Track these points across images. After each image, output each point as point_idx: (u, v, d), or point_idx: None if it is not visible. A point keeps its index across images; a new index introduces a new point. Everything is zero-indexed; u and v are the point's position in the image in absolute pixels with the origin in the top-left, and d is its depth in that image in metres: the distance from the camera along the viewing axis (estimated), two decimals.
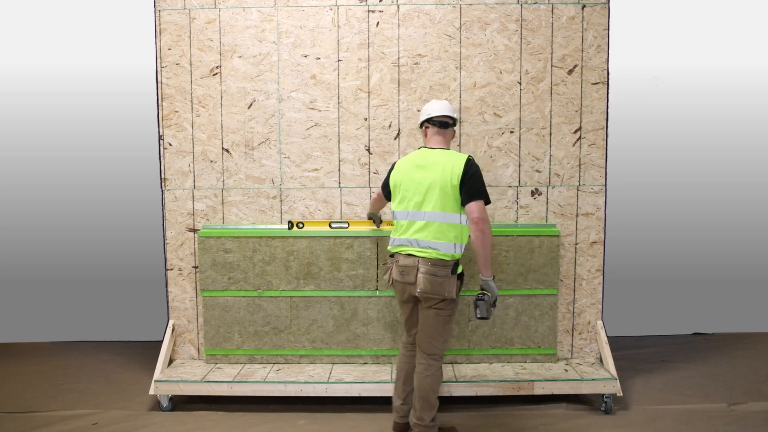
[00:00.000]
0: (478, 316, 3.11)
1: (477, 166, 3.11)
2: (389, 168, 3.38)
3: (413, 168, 3.18)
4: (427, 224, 3.11)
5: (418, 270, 3.09)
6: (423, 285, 3.06)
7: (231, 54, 4.01)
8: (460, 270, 3.16)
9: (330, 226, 3.92)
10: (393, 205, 3.28)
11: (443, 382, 3.72)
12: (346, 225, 3.97)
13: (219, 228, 4.04)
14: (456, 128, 3.37)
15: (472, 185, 3.04)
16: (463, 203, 3.06)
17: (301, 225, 3.91)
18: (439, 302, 3.11)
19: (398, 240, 3.22)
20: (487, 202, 3.09)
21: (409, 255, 3.14)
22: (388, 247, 3.31)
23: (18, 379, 4.39)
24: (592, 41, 3.98)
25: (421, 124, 3.28)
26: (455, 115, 3.27)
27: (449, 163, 3.08)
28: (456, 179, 3.05)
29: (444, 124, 3.22)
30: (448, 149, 3.22)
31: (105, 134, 5.29)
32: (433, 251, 3.09)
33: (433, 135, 3.24)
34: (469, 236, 3.09)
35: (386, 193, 3.38)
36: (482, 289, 3.13)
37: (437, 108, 3.22)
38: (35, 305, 5.37)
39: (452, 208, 3.08)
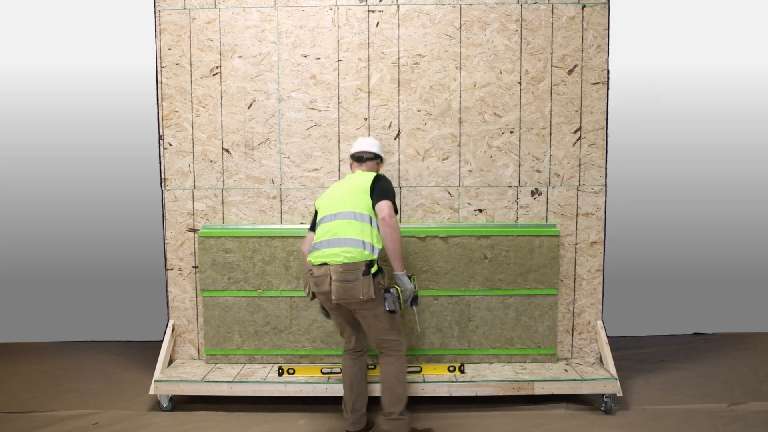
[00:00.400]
0: (387, 308, 3.18)
1: (388, 180, 3.36)
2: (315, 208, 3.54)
3: (334, 189, 3.44)
4: (338, 224, 3.26)
5: (330, 278, 3.16)
6: (336, 292, 3.14)
7: (231, 54, 4.01)
8: (375, 269, 3.18)
9: (322, 372, 3.86)
10: (317, 221, 3.41)
11: (444, 382, 3.73)
12: (339, 371, 3.85)
13: (219, 228, 4.04)
14: (379, 162, 3.58)
15: (381, 188, 3.28)
16: (374, 204, 3.25)
17: (291, 371, 3.84)
18: (366, 304, 3.15)
19: (314, 245, 3.31)
20: (394, 203, 3.26)
21: (323, 264, 3.21)
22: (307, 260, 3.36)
23: (18, 379, 4.39)
24: (592, 41, 3.98)
25: (350, 162, 3.60)
26: (375, 150, 3.54)
27: (363, 177, 3.38)
28: (367, 184, 3.30)
29: (359, 159, 3.53)
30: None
31: (105, 134, 5.30)
32: (341, 253, 3.16)
33: (355, 168, 3.55)
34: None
35: (313, 228, 3.49)
36: (394, 284, 3.25)
37: (355, 145, 3.58)
38: (35, 305, 5.37)
39: (362, 209, 3.26)
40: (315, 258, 3.25)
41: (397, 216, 3.39)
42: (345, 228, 3.23)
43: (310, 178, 4.07)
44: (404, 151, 4.04)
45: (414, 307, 3.31)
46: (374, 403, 3.49)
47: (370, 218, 3.25)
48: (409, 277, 3.30)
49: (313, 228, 3.47)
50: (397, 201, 4.03)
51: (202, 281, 4.02)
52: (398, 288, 3.21)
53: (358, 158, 3.54)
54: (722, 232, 5.51)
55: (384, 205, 3.20)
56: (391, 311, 3.19)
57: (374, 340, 3.30)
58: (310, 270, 3.27)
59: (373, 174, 3.38)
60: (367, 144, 3.56)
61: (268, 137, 4.06)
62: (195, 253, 4.10)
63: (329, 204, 3.36)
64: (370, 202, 3.26)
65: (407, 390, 3.31)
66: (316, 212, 3.49)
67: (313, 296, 3.34)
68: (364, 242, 3.19)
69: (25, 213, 5.40)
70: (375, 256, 3.21)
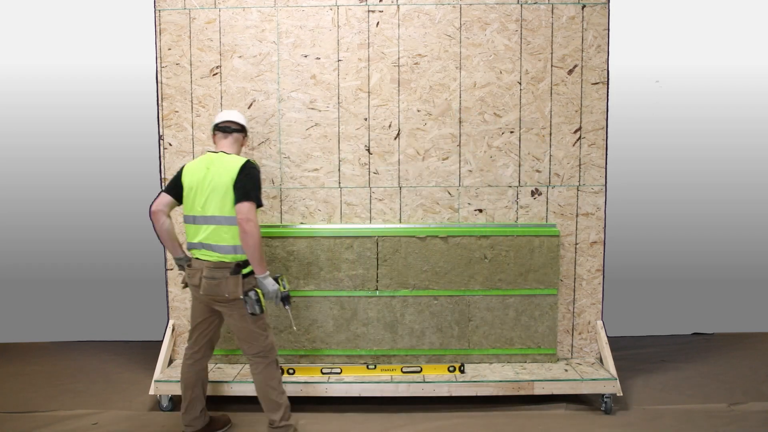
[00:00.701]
0: (248, 311, 3.15)
1: (254, 169, 3.20)
2: (177, 172, 3.35)
3: (200, 173, 3.23)
4: (208, 227, 3.19)
5: (201, 273, 3.18)
6: (204, 288, 3.16)
7: (231, 54, 4.01)
8: (246, 270, 3.17)
9: (322, 372, 3.86)
10: (184, 209, 3.30)
11: (444, 382, 3.73)
12: (339, 371, 3.87)
13: None
14: (244, 135, 3.42)
15: (242, 185, 3.12)
16: (235, 203, 3.12)
17: (291, 371, 3.84)
18: (233, 303, 3.17)
19: (189, 244, 3.29)
20: (259, 204, 3.16)
21: (197, 259, 3.23)
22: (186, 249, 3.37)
23: (18, 379, 4.39)
24: (592, 41, 3.98)
25: (213, 133, 3.41)
26: (242, 122, 3.39)
27: (228, 166, 3.18)
28: (231, 181, 3.14)
29: (225, 129, 3.34)
30: (232, 154, 3.31)
31: (105, 134, 5.29)
32: (214, 254, 3.17)
33: (219, 140, 3.37)
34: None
35: (174, 194, 3.31)
36: (256, 286, 3.18)
37: (221, 115, 3.40)
38: (35, 305, 5.37)
39: (230, 211, 3.15)
40: (193, 254, 3.27)
41: (260, 209, 3.24)
42: (216, 235, 3.17)
43: (310, 178, 4.07)
44: (404, 151, 4.04)
45: (287, 307, 3.27)
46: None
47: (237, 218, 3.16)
48: (276, 278, 3.25)
49: (169, 191, 3.30)
50: (396, 201, 4.04)
51: None
52: (259, 291, 3.16)
53: (224, 128, 3.34)
54: (722, 232, 5.51)
55: (242, 208, 3.07)
56: (252, 314, 3.15)
57: (240, 342, 3.28)
58: (189, 262, 3.29)
59: (238, 163, 3.17)
60: (234, 114, 3.40)
61: (268, 137, 4.06)
62: None
63: (197, 196, 3.20)
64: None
65: (284, 396, 3.28)
66: (178, 177, 3.30)
67: (185, 285, 3.38)
68: (235, 247, 3.15)
69: (25, 213, 5.39)
70: (244, 256, 3.17)
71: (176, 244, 3.37)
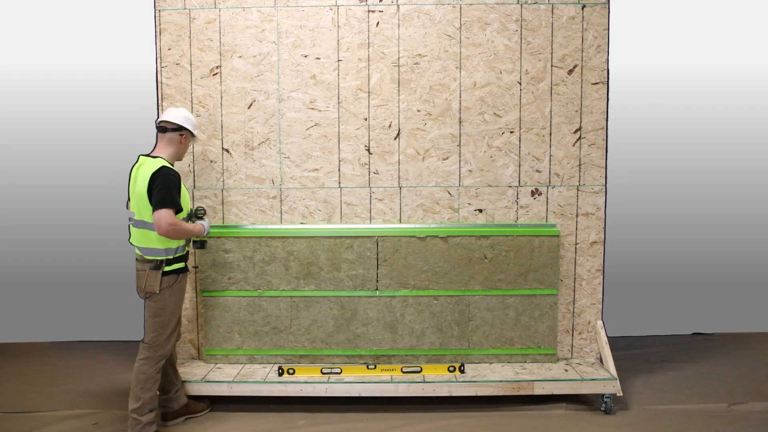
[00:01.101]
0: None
1: (168, 174, 3.25)
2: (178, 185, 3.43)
3: (133, 176, 3.38)
4: (134, 231, 3.38)
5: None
6: (137, 279, 3.39)
7: (231, 54, 4.01)
8: (169, 268, 3.35)
9: (322, 372, 3.87)
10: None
11: (444, 382, 3.73)
12: (339, 371, 3.89)
13: (219, 228, 4.04)
14: (181, 134, 3.44)
15: (156, 193, 3.22)
16: (153, 211, 3.24)
17: (291, 371, 3.85)
18: (150, 295, 3.36)
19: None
20: (177, 210, 3.28)
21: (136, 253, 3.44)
22: None
23: (18, 379, 4.39)
24: (592, 41, 3.98)
25: (181, 130, 3.48)
26: (178, 121, 3.41)
27: (147, 171, 3.28)
28: (145, 188, 3.25)
29: (162, 129, 3.42)
30: (162, 157, 3.37)
31: (105, 134, 5.29)
32: (139, 252, 3.39)
33: (158, 140, 3.46)
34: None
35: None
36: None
37: (163, 114, 3.47)
38: (35, 305, 5.37)
39: (148, 217, 3.29)
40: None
41: (179, 215, 3.33)
42: (138, 237, 3.36)
43: (310, 178, 4.07)
44: (404, 151, 4.04)
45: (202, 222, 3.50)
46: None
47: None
48: (199, 214, 3.52)
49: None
50: (396, 201, 4.05)
51: (202, 281, 4.02)
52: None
53: (161, 128, 3.43)
54: (722, 232, 5.51)
55: (158, 218, 3.21)
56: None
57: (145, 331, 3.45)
58: None
59: (154, 168, 3.26)
60: (171, 114, 3.43)
61: (268, 137, 4.06)
62: (195, 253, 4.09)
63: (132, 195, 3.37)
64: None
65: (147, 393, 3.35)
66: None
67: None
68: (153, 249, 3.32)
69: (25, 213, 5.39)
70: (168, 256, 3.34)
71: None
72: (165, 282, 3.33)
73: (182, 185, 3.39)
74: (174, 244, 3.35)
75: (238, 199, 4.09)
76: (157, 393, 3.43)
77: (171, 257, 3.35)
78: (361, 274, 3.97)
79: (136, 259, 3.41)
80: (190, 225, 3.39)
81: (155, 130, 3.46)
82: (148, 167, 3.30)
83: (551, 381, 3.74)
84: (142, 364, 3.37)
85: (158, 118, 3.43)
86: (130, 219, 3.42)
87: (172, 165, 3.39)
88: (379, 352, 4.03)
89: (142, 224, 3.32)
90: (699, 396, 3.99)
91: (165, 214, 3.20)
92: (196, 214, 3.53)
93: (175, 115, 3.43)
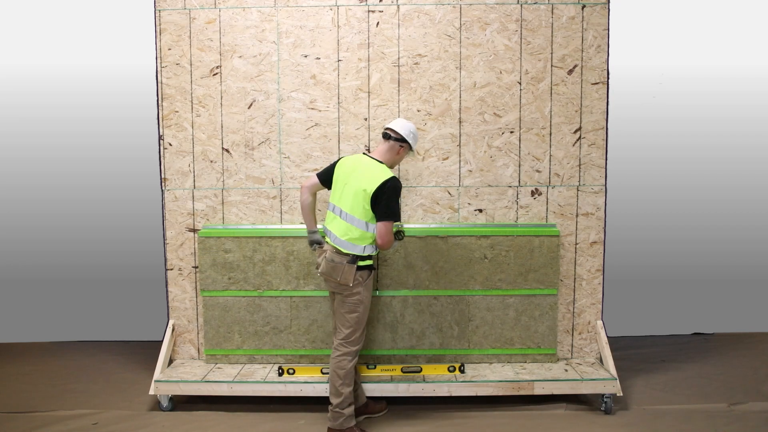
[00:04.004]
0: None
1: (397, 188, 3.29)
2: (335, 160, 3.57)
3: (347, 169, 3.41)
4: (339, 224, 3.37)
5: (324, 255, 3.41)
6: (323, 267, 3.39)
7: (231, 54, 4.01)
8: (363, 263, 3.36)
9: (322, 372, 3.87)
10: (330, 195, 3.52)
11: (444, 382, 3.73)
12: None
13: (219, 228, 4.04)
14: (401, 146, 3.42)
15: (384, 205, 3.26)
16: (376, 219, 3.29)
17: (291, 371, 3.86)
18: (342, 287, 3.37)
19: (324, 227, 3.51)
20: (396, 220, 3.32)
21: (327, 242, 3.46)
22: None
23: (18, 379, 4.39)
24: (592, 41, 3.98)
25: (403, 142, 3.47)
26: (402, 132, 3.41)
27: (375, 174, 3.29)
28: (370, 192, 3.25)
29: (385, 135, 3.45)
30: (382, 162, 3.40)
31: (105, 134, 5.29)
32: (336, 244, 3.37)
33: (379, 143, 3.51)
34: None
35: (323, 179, 3.54)
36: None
37: (391, 121, 3.53)
38: (35, 305, 5.37)
39: (362, 216, 3.30)
40: (323, 233, 3.53)
41: (397, 224, 3.38)
42: (341, 229, 3.35)
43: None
44: None
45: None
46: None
47: (367, 224, 3.32)
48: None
49: (319, 175, 3.54)
50: None
51: (202, 281, 4.02)
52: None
53: (384, 135, 3.46)
54: (722, 232, 5.51)
55: (382, 229, 3.26)
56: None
57: (336, 326, 3.48)
58: (314, 242, 3.59)
59: (382, 178, 3.26)
60: (398, 124, 3.47)
61: (268, 137, 4.06)
62: (195, 253, 4.10)
63: (341, 188, 3.40)
64: (371, 212, 3.29)
65: (347, 388, 3.40)
66: (333, 165, 3.49)
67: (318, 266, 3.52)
68: (354, 245, 3.32)
69: (25, 213, 5.39)
70: (364, 254, 3.35)
71: (311, 219, 3.61)
72: (359, 276, 3.35)
73: None
74: (369, 243, 3.37)
75: (238, 199, 4.09)
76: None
77: (366, 254, 3.36)
78: None
79: (329, 249, 3.39)
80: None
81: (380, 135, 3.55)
82: (376, 170, 3.32)
83: (551, 381, 3.74)
84: (340, 360, 3.40)
85: (387, 123, 3.54)
86: (330, 205, 3.45)
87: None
88: (379, 352, 4.03)
89: (350, 219, 3.32)
90: (699, 396, 3.99)
91: (388, 228, 3.27)
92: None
93: (402, 126, 3.45)
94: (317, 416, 3.73)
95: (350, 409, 3.41)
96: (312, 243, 3.62)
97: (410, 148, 3.48)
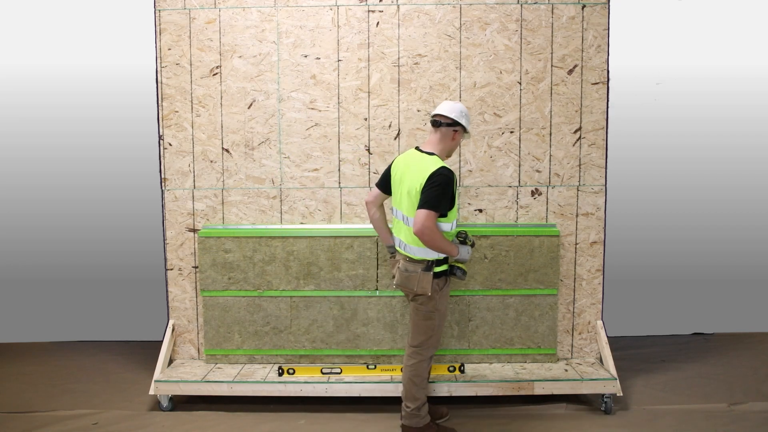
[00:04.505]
0: (460, 277, 3.30)
1: (446, 176, 3.06)
2: (388, 165, 3.43)
3: (401, 168, 3.27)
4: (399, 225, 3.28)
5: (398, 264, 3.30)
6: (398, 279, 3.27)
7: (231, 54, 4.01)
8: (439, 269, 3.22)
9: (322, 372, 3.86)
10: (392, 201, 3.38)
11: (444, 382, 3.73)
12: (339, 371, 3.88)
13: (219, 228, 4.04)
14: (455, 130, 3.22)
15: (426, 194, 3.05)
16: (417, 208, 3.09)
17: (291, 371, 3.85)
18: (418, 297, 3.25)
19: (395, 239, 3.37)
20: (441, 213, 3.07)
21: (398, 251, 3.34)
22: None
23: (18, 379, 4.39)
24: (592, 41, 3.98)
25: (455, 126, 3.27)
26: (453, 116, 3.19)
27: (424, 167, 3.12)
28: (420, 186, 3.08)
29: (435, 123, 3.24)
30: (434, 154, 3.20)
31: (105, 134, 5.29)
32: (404, 251, 3.25)
33: (430, 134, 3.32)
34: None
35: (383, 187, 3.42)
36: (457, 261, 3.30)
37: (437, 107, 3.28)
38: (35, 305, 5.37)
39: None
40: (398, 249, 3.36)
41: (448, 220, 3.16)
42: (408, 235, 3.20)
43: (310, 178, 4.07)
44: (404, 151, 4.03)
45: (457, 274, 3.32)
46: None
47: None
48: (464, 240, 3.30)
49: (378, 185, 3.42)
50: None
51: (202, 281, 4.02)
52: (460, 265, 3.27)
53: (434, 122, 3.22)
54: (722, 232, 5.51)
55: (418, 216, 3.03)
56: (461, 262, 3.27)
57: (409, 330, 3.38)
58: (393, 254, 3.45)
59: (431, 169, 3.07)
60: (445, 107, 3.21)
61: (268, 137, 4.06)
62: (195, 253, 4.10)
63: (398, 190, 3.26)
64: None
65: (423, 392, 3.37)
66: (388, 170, 3.35)
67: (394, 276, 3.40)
68: (425, 249, 3.15)
69: (25, 213, 5.39)
70: (435, 258, 3.19)
71: (385, 233, 3.48)
72: (436, 284, 3.20)
73: (455, 190, 3.17)
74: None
75: (238, 199, 4.09)
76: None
77: (441, 258, 3.20)
78: (361, 274, 3.97)
79: (402, 258, 3.25)
80: (446, 240, 3.13)
81: (430, 124, 3.27)
82: (426, 163, 3.11)
83: (551, 381, 3.74)
84: (416, 367, 3.31)
85: (433, 111, 3.24)
86: (395, 211, 3.31)
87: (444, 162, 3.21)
88: (379, 352, 4.03)
89: (411, 222, 3.14)
90: (699, 396, 3.99)
91: (424, 215, 3.00)
92: (457, 236, 3.32)
93: (451, 109, 3.19)
94: (317, 416, 3.73)
95: (426, 408, 3.38)
96: (390, 253, 3.51)
97: (465, 130, 3.25)
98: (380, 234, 3.52)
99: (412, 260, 3.21)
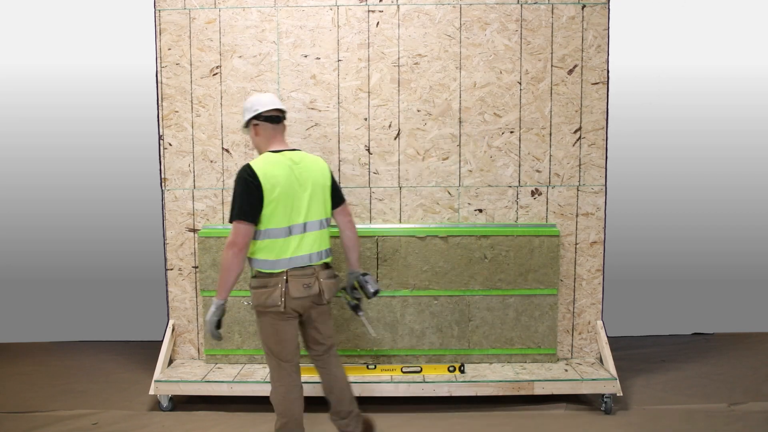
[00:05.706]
0: (371, 291, 3.24)
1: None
2: (247, 191, 2.83)
3: (284, 186, 2.88)
4: (312, 237, 2.98)
5: (318, 278, 2.98)
6: (327, 293, 3.03)
7: (231, 54, 4.01)
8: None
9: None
10: (264, 223, 2.88)
11: (444, 382, 3.73)
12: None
13: (219, 228, 4.04)
14: (258, 123, 3.00)
15: (338, 183, 3.10)
16: (337, 204, 3.15)
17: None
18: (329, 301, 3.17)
19: (290, 261, 2.92)
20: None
21: (309, 266, 2.97)
22: (266, 270, 2.94)
23: (18, 379, 4.39)
24: (592, 41, 3.98)
25: (248, 123, 3.02)
26: (282, 107, 3.05)
27: (316, 166, 3.04)
28: (328, 180, 3.09)
29: (278, 119, 3.01)
30: (299, 149, 3.09)
31: (105, 134, 5.29)
32: (325, 258, 3.08)
33: (276, 134, 3.00)
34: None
35: (255, 219, 2.86)
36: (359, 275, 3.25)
37: (263, 101, 2.97)
38: (35, 305, 5.37)
39: (327, 214, 3.09)
40: (299, 262, 2.95)
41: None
42: (321, 240, 3.02)
43: None
44: (404, 151, 4.04)
45: (359, 315, 3.27)
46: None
47: (328, 220, 3.10)
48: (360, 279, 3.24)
49: (251, 218, 2.82)
50: (396, 201, 4.05)
51: (202, 281, 4.02)
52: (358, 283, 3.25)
53: (276, 119, 2.98)
54: (722, 232, 5.51)
55: (348, 207, 3.21)
56: (375, 292, 3.23)
57: (329, 337, 3.21)
58: (287, 278, 2.92)
59: (323, 162, 3.08)
60: (277, 100, 3.03)
61: None
62: (195, 253, 4.10)
63: (290, 202, 2.89)
64: (330, 203, 3.07)
65: None
66: (258, 192, 2.81)
67: (286, 306, 2.94)
68: (330, 249, 3.14)
69: (25, 213, 5.40)
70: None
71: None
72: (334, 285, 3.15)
73: None
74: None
75: None
76: None
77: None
78: None
79: (320, 271, 2.99)
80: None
81: (258, 121, 2.99)
82: (313, 160, 3.03)
83: (551, 381, 3.74)
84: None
85: (263, 106, 2.99)
86: (292, 229, 2.90)
87: None
88: (379, 352, 4.03)
89: (323, 224, 3.02)
90: (699, 396, 3.99)
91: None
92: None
93: (277, 100, 3.06)
94: (317, 416, 3.72)
95: None
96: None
97: (246, 124, 3.05)
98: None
99: (327, 265, 3.09)
